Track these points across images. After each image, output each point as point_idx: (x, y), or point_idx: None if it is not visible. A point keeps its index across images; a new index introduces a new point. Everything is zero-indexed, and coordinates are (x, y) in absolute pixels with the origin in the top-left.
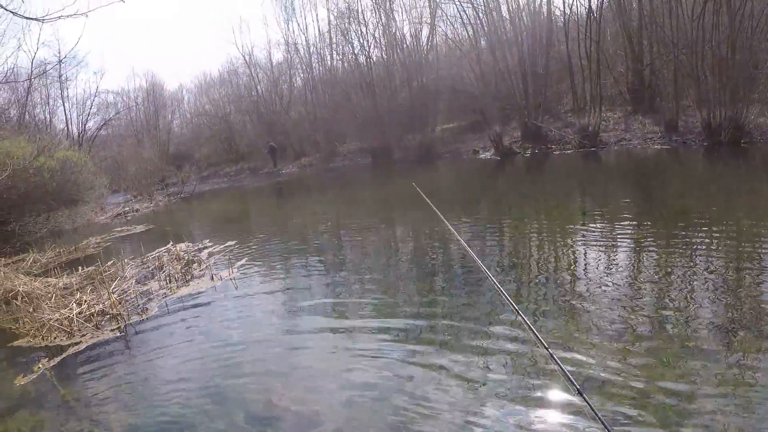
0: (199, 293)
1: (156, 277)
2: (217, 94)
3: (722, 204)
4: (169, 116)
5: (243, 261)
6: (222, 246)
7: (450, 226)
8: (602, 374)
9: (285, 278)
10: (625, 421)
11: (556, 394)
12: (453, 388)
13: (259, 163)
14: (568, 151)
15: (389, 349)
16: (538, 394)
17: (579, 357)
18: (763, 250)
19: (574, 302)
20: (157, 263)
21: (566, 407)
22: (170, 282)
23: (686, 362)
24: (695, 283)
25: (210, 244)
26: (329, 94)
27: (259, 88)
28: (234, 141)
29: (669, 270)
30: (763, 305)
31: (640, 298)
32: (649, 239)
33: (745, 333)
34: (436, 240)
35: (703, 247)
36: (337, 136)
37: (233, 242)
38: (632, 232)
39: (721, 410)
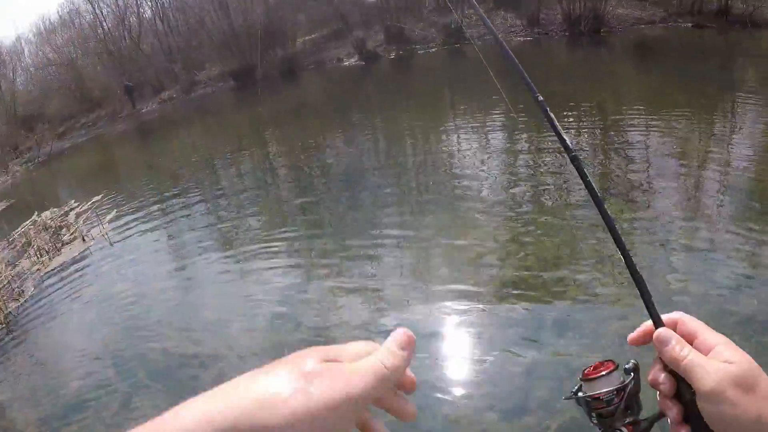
0: (73, 260)
1: (26, 255)
2: (60, 40)
3: (585, 87)
4: (11, 74)
5: (113, 214)
6: (89, 203)
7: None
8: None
9: (160, 221)
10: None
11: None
12: (351, 300)
13: (116, 107)
14: (432, 50)
15: (281, 273)
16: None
17: (462, 243)
18: (626, 125)
19: (457, 190)
20: (24, 239)
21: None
22: (41, 256)
23: (558, 231)
24: (563, 160)
25: (76, 204)
26: (181, 20)
27: (104, 24)
28: (86, 88)
29: (540, 150)
30: (629, 175)
31: (515, 186)
32: (521, 126)
33: (615, 199)
34: (311, 152)
35: (573, 127)
36: (195, 63)
37: (100, 197)
38: (502, 121)
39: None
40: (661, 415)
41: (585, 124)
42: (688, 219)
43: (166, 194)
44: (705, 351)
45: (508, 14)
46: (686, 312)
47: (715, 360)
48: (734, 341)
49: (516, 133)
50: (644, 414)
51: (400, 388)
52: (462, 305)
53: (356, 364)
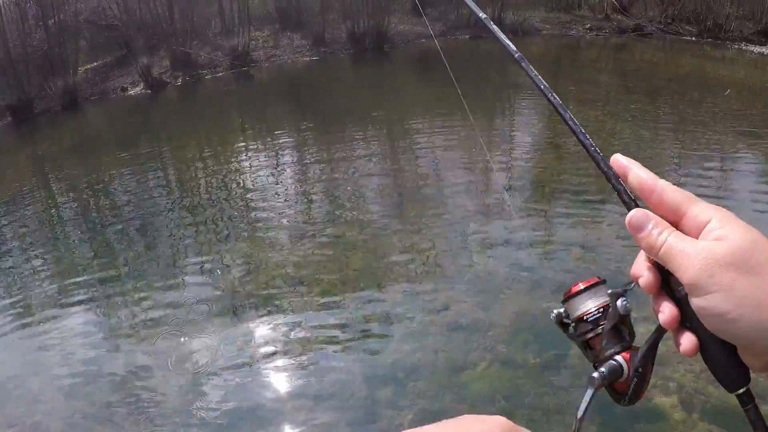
0: None
1: None
2: None
3: (371, 100)
4: None
5: None
6: None
7: None
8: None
9: None
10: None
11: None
12: (160, 344)
13: None
14: (220, 74)
15: (80, 328)
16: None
17: (267, 265)
18: (409, 134)
19: (253, 214)
20: None
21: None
22: None
23: (368, 242)
24: (356, 175)
25: None
26: None
27: None
28: None
29: (333, 169)
30: (421, 189)
31: (309, 202)
32: (310, 145)
33: (409, 203)
34: (99, 191)
35: (360, 140)
36: None
37: None
38: (294, 140)
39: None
40: (660, 331)
41: (373, 134)
42: (481, 210)
43: None
44: (695, 231)
45: (294, 35)
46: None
47: (703, 241)
48: None
49: (306, 149)
50: None
51: None
52: (277, 332)
53: None
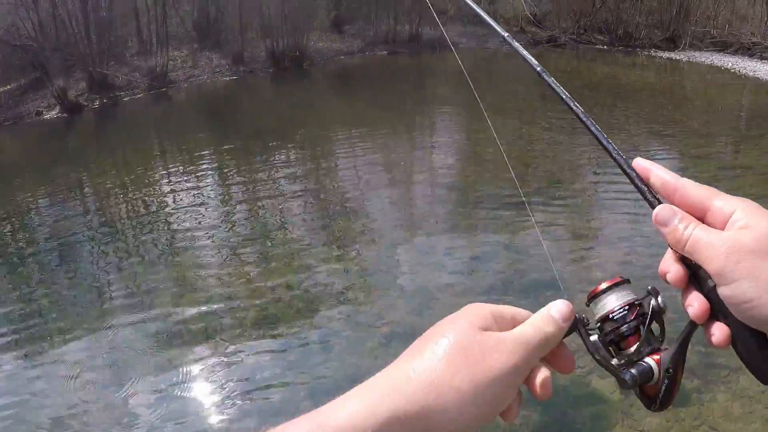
0: None
1: None
2: None
3: (291, 118)
4: None
5: None
6: None
7: None
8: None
9: None
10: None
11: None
12: (91, 377)
13: None
14: (138, 96)
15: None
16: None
17: (197, 295)
18: (332, 151)
19: (179, 238)
20: None
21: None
22: None
23: (297, 259)
24: (280, 194)
25: None
26: None
27: None
28: None
29: (256, 189)
30: (347, 204)
31: (234, 224)
32: (231, 166)
33: (335, 219)
34: (14, 223)
35: (282, 159)
36: None
37: None
38: (215, 161)
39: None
40: (692, 326)
41: (296, 152)
42: (407, 222)
43: None
44: (721, 224)
45: (213, 54)
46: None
47: (728, 231)
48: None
49: (228, 170)
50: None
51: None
52: (212, 356)
53: (519, 335)
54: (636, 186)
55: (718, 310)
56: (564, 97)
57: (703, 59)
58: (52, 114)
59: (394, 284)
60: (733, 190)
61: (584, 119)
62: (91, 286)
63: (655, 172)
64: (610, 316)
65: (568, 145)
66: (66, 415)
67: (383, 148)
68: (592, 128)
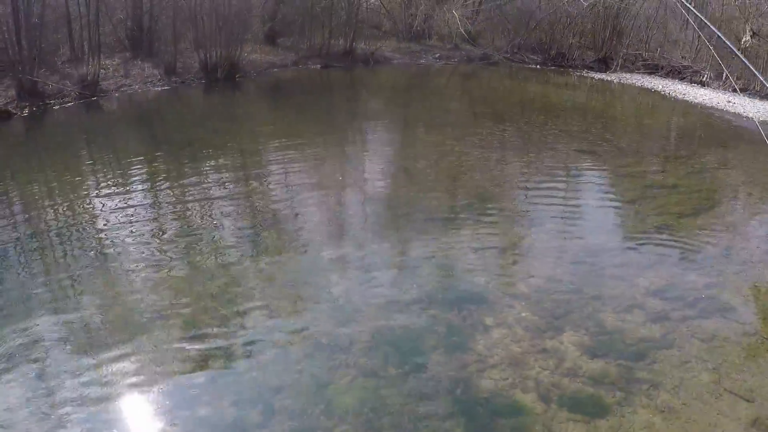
0: None
1: None
2: None
3: (223, 130)
4: None
5: None
6: None
7: None
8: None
9: None
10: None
11: None
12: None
13: None
14: (68, 104)
15: None
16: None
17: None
18: (262, 163)
19: (109, 250)
20: None
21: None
22: None
23: (225, 271)
24: (210, 204)
25: None
26: None
27: None
28: None
29: (186, 199)
30: (275, 205)
31: (162, 232)
32: (161, 176)
33: (264, 230)
34: None
35: (213, 169)
36: None
37: None
38: (145, 173)
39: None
40: None
41: (226, 163)
42: (335, 233)
43: None
44: None
45: (145, 64)
46: None
47: None
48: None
49: (159, 180)
50: None
51: None
52: (139, 367)
53: None
54: None
55: None
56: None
57: (634, 81)
58: None
59: (321, 296)
60: (658, 208)
61: None
62: (17, 300)
63: None
64: None
65: (498, 161)
66: None
67: (314, 160)
68: None
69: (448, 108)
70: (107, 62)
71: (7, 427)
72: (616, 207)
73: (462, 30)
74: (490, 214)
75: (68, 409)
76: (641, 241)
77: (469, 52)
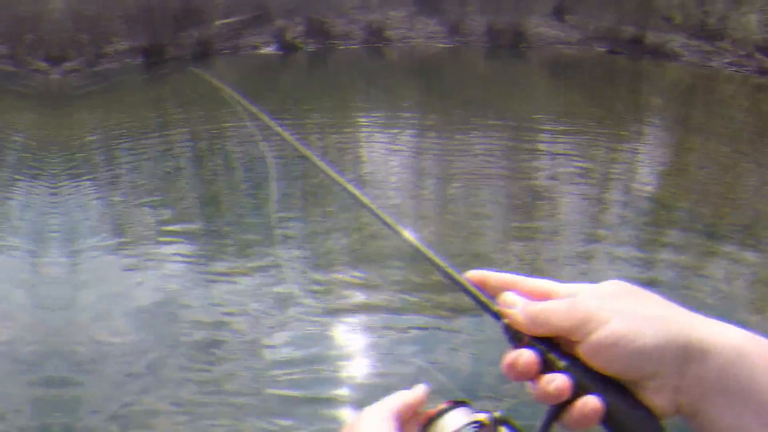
0: None
1: None
2: None
3: (500, 95)
4: None
5: None
6: None
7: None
8: None
9: None
10: None
11: None
12: None
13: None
14: (353, 47)
15: None
16: None
17: None
18: (538, 131)
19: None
20: None
21: None
22: None
23: None
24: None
25: None
26: None
27: None
28: None
29: (451, 150)
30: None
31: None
32: (433, 126)
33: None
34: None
35: (485, 128)
36: (104, 35)
37: None
38: (418, 121)
39: None
40: (554, 412)
41: (498, 126)
42: (589, 230)
43: None
44: None
45: (430, 20)
46: None
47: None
48: None
49: (431, 135)
50: None
51: None
52: None
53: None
54: (472, 296)
55: (578, 382)
56: None
57: None
58: (269, 50)
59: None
60: None
61: None
62: None
63: (492, 276)
64: None
65: None
66: None
67: (581, 142)
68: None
69: (734, 118)
70: (393, 13)
71: None
72: None
73: (758, 37)
74: None
75: None
76: None
77: (765, 62)
